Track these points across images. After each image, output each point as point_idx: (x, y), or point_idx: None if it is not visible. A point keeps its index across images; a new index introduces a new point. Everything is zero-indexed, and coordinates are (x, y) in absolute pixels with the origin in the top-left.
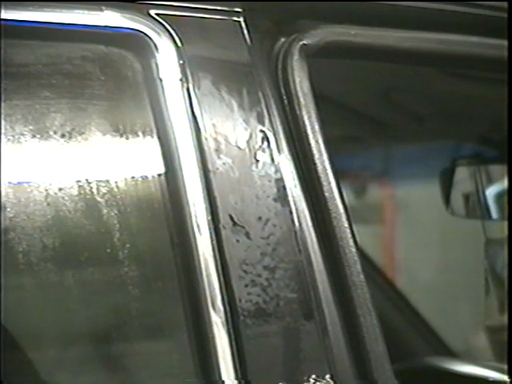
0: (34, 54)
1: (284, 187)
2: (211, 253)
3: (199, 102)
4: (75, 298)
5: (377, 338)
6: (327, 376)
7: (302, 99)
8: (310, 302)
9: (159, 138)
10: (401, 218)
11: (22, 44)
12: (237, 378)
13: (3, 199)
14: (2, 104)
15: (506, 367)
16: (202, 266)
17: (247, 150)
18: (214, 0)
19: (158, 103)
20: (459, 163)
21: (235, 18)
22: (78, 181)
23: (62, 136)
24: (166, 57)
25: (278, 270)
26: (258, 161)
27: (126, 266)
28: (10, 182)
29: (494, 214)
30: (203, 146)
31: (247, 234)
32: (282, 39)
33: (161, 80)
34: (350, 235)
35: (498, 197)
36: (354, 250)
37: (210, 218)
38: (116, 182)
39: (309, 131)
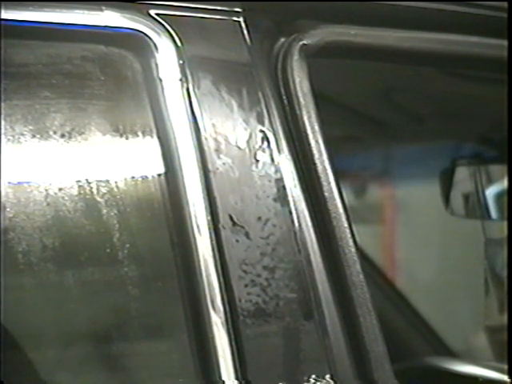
0: (33, 54)
1: (284, 187)
2: (211, 253)
3: (199, 101)
4: (75, 298)
5: (377, 338)
6: (327, 376)
7: (301, 99)
8: (309, 301)
9: (159, 138)
10: (401, 218)
11: (22, 44)
12: (237, 377)
13: (3, 199)
14: (2, 104)
15: (506, 367)
16: (202, 266)
17: (247, 150)
18: (213, 0)
19: (157, 103)
20: (459, 163)
21: (235, 18)
22: (78, 181)
23: (62, 136)
24: (166, 57)
25: (278, 270)
26: (257, 161)
27: (126, 266)
28: (9, 182)
29: (494, 214)
30: (203, 146)
31: (247, 234)
32: (282, 39)
33: (161, 80)
34: (349, 235)
35: (498, 197)
36: (353, 249)
37: (209, 218)
38: (116, 182)
39: (309, 131)
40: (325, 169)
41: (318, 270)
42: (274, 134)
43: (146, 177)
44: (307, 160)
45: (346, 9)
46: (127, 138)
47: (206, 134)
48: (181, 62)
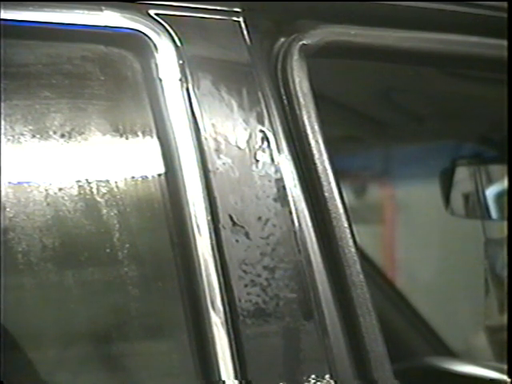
0: (33, 54)
1: (284, 187)
2: (211, 253)
3: (199, 101)
4: (75, 298)
5: (377, 338)
6: (327, 376)
7: (301, 99)
8: (309, 302)
9: (159, 138)
10: (401, 218)
11: (22, 44)
12: (236, 378)
13: (3, 199)
14: (2, 104)
15: (505, 367)
16: (202, 266)
17: (247, 150)
18: (213, 0)
19: (157, 103)
20: (459, 163)
21: (235, 18)
22: (78, 181)
23: (62, 136)
24: (166, 57)
25: (278, 270)
26: (257, 161)
27: (126, 265)
28: (10, 182)
29: (494, 214)
30: (203, 146)
31: (247, 234)
32: (282, 39)
33: (160, 80)
34: (349, 235)
35: (498, 197)
36: (353, 250)
37: (209, 218)
38: (116, 182)
39: (309, 131)
40: (325, 169)
41: (318, 270)
42: (274, 134)
43: (146, 177)
44: (307, 160)
45: (346, 9)
46: (127, 138)
47: (206, 134)
48: (181, 62)
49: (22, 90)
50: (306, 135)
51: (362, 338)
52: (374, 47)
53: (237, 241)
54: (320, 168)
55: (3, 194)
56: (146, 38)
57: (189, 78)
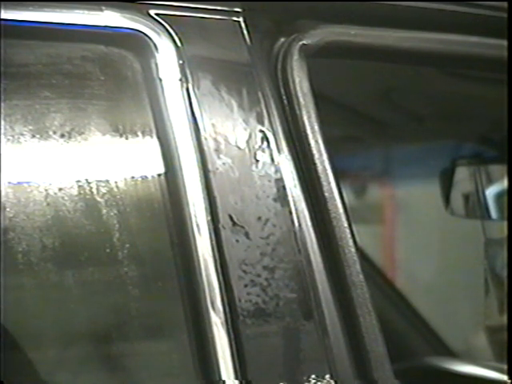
0: (33, 54)
1: (284, 187)
2: (211, 253)
3: (199, 101)
4: (75, 298)
5: (377, 338)
6: (327, 376)
7: (301, 99)
8: (309, 302)
9: (159, 138)
10: (401, 217)
11: (22, 44)
12: (236, 377)
13: (3, 199)
14: (2, 104)
15: (505, 367)
16: (202, 266)
17: (247, 150)
18: (213, 0)
19: (157, 103)
20: (459, 163)
21: (235, 18)
22: (78, 181)
23: (62, 136)
24: (166, 57)
25: (278, 270)
26: (257, 161)
27: (126, 266)
28: (9, 182)
29: (494, 214)
30: (203, 146)
31: (247, 234)
32: (282, 39)
33: (160, 80)
34: (349, 235)
35: (498, 197)
36: (353, 249)
37: (209, 218)
38: (116, 182)
39: (309, 131)
40: (325, 169)
41: (318, 270)
42: (274, 134)
43: (146, 177)
44: (307, 160)
45: (346, 9)
46: (127, 138)
47: (206, 134)
48: (181, 62)
49: (22, 90)
50: (306, 135)
51: (362, 338)
52: (374, 47)
53: (237, 241)
54: (320, 168)
55: (3, 194)
56: (146, 37)
57: (189, 77)
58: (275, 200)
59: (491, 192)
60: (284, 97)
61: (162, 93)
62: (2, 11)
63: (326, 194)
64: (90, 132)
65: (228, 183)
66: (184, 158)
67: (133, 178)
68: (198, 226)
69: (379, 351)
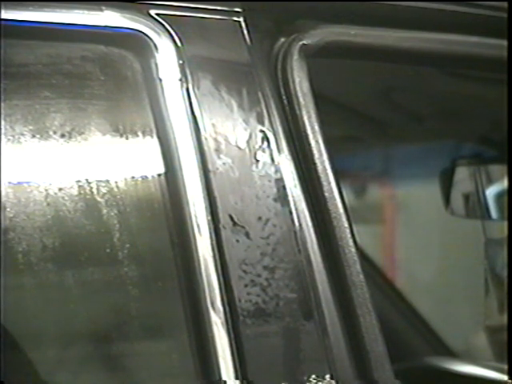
0: (33, 54)
1: (284, 187)
2: (211, 253)
3: (199, 102)
4: (75, 298)
5: (377, 338)
6: (327, 376)
7: (301, 99)
8: (309, 302)
9: (159, 138)
10: (401, 217)
11: (22, 44)
12: (236, 377)
13: (3, 199)
14: (2, 104)
15: (506, 367)
16: (202, 266)
17: (247, 150)
18: (214, 0)
19: (157, 103)
20: (459, 163)
21: (235, 18)
22: (78, 181)
23: (62, 136)
24: (166, 57)
25: (278, 269)
26: (258, 161)
27: (126, 266)
28: (10, 182)
29: (494, 214)
30: (203, 146)
31: (247, 234)
32: (282, 39)
33: (160, 80)
34: (349, 235)
35: (498, 197)
36: (353, 249)
37: (209, 218)
38: (116, 182)
39: (309, 131)
40: (325, 169)
41: (318, 270)
42: (274, 134)
43: (146, 177)
44: (307, 160)
45: (346, 9)
46: (127, 138)
47: (206, 134)
48: (181, 62)
49: (22, 90)
50: (306, 135)
51: (361, 338)
52: (374, 47)
53: (237, 241)
54: (320, 168)
55: (3, 194)
56: (146, 37)
57: (189, 77)
58: (275, 200)
59: (491, 192)
60: (284, 97)
61: (161, 93)
62: (2, 11)
63: (326, 194)
64: (90, 132)
65: (228, 183)
66: (184, 158)
67: (133, 178)
68: (198, 225)
69: (379, 351)
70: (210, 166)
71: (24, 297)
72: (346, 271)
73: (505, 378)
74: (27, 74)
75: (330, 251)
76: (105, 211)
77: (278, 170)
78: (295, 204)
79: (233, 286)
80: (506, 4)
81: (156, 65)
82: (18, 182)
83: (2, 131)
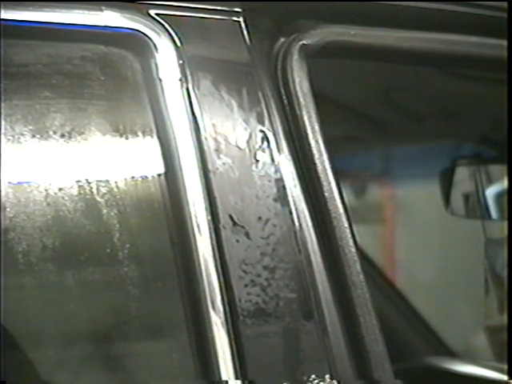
0: (33, 54)
1: (284, 187)
2: (211, 253)
3: (199, 101)
4: (75, 298)
5: (377, 338)
6: (327, 376)
7: (301, 99)
8: (309, 302)
9: (159, 138)
10: (401, 217)
11: (22, 44)
12: (237, 378)
13: (3, 199)
14: (2, 104)
15: (506, 367)
16: (202, 266)
17: (247, 150)
18: (214, 0)
19: (157, 103)
20: (459, 163)
21: (235, 18)
22: (78, 181)
23: (62, 136)
24: (166, 57)
25: (278, 269)
26: (257, 161)
27: (126, 266)
28: (10, 182)
29: (494, 214)
30: (203, 146)
31: (247, 234)
32: (282, 39)
33: (160, 80)
34: (349, 235)
35: (498, 197)
36: (353, 249)
37: (209, 218)
38: (116, 182)
39: (309, 131)
40: (325, 169)
41: (318, 270)
42: (274, 134)
43: (146, 177)
44: (307, 160)
45: (345, 9)
46: (127, 138)
47: (206, 133)
48: (181, 62)
49: (22, 90)
50: (306, 135)
51: (361, 338)
52: (374, 47)
53: (237, 241)
54: (320, 168)
55: (3, 193)
56: (146, 38)
57: (189, 78)
58: (275, 200)
59: (491, 192)
60: (284, 97)
61: (162, 93)
62: (2, 11)
63: (326, 194)
64: (90, 132)
65: (228, 183)
66: (184, 158)
67: (133, 178)
68: (198, 225)
69: (379, 351)
70: (209, 166)
71: (24, 297)
72: (346, 271)
73: (505, 377)
74: (27, 74)
75: (329, 251)
76: (105, 211)
77: (277, 170)
78: (295, 204)
79: (233, 285)
80: (505, 4)
81: (156, 65)
82: (18, 182)
83: (2, 131)
